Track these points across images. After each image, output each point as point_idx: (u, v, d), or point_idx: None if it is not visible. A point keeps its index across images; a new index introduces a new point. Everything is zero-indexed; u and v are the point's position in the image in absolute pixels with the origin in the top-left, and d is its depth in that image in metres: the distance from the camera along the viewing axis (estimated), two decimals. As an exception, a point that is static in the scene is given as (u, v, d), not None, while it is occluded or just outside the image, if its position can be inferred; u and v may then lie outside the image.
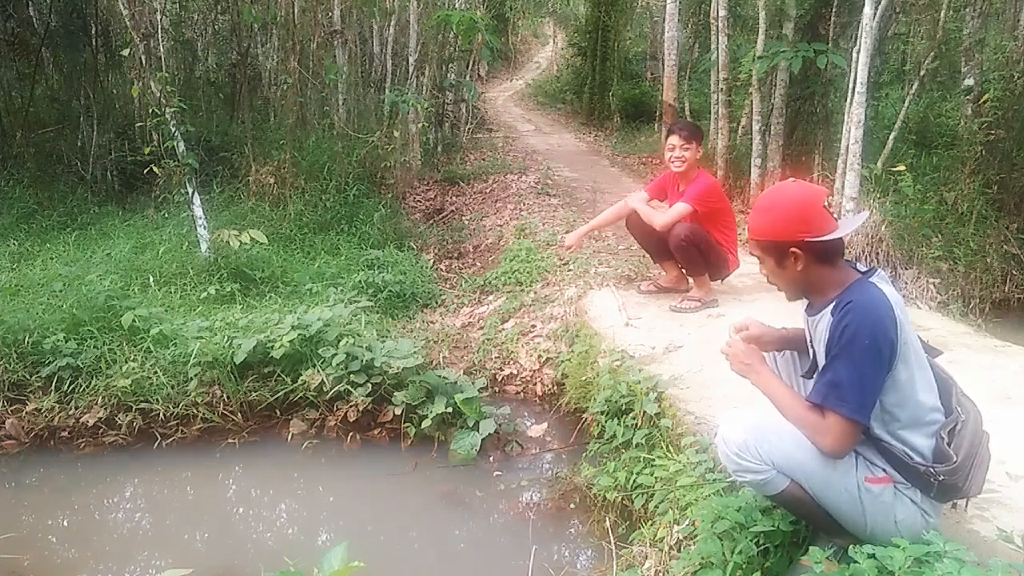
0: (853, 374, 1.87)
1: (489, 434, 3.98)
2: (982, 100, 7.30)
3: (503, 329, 5.26)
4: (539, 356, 4.86)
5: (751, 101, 8.63)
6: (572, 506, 3.50)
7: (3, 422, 4.01)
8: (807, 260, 2.01)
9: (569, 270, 5.80)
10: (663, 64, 12.58)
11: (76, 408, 4.10)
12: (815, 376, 2.06)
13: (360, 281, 5.66)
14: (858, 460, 1.99)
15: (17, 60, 8.75)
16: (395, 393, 4.18)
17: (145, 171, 5.86)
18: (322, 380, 4.16)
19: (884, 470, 1.97)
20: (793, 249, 2.00)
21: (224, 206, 7.02)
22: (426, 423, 4.02)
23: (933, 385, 2.01)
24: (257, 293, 5.41)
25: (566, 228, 6.99)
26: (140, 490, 3.89)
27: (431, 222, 8.59)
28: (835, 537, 2.08)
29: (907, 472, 1.95)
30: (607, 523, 3.07)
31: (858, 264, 2.09)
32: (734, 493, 2.45)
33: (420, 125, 9.81)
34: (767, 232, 2.05)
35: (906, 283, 6.02)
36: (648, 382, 3.53)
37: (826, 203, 2.03)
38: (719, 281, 4.95)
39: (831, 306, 1.98)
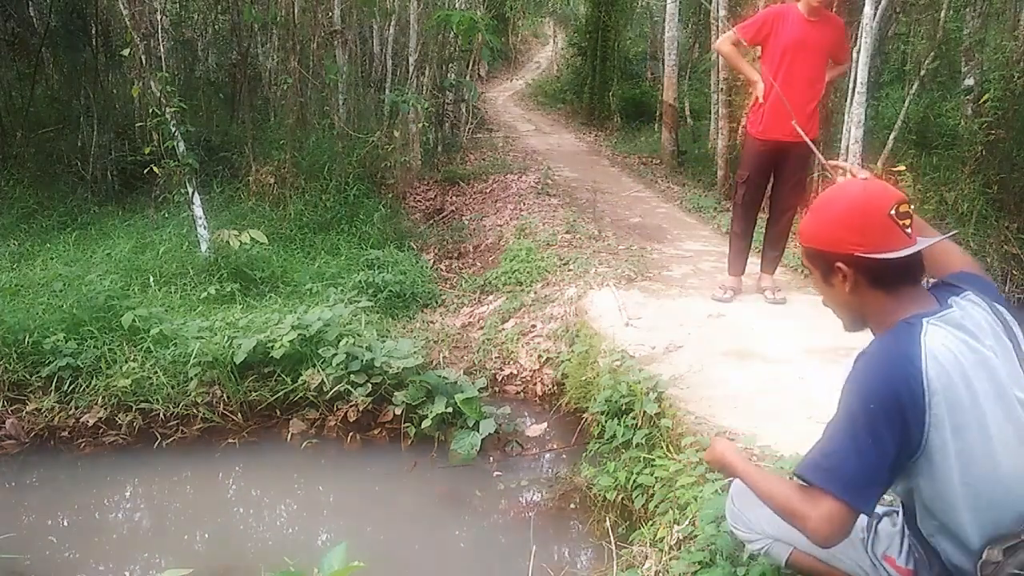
0: (850, 445, 1.48)
1: (489, 434, 3.98)
2: (982, 100, 7.30)
3: (503, 329, 5.25)
4: (539, 356, 4.86)
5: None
6: (572, 506, 3.50)
7: (3, 422, 4.01)
8: (856, 280, 1.59)
9: (569, 270, 5.80)
10: (663, 64, 12.59)
11: (76, 408, 4.10)
12: None
13: (360, 281, 5.66)
14: (876, 528, 1.67)
15: (17, 60, 8.75)
16: (395, 393, 4.18)
17: (145, 171, 5.85)
18: (322, 380, 4.16)
19: (913, 555, 1.64)
20: (839, 264, 1.58)
21: (224, 206, 7.02)
22: (426, 423, 4.01)
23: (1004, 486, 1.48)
24: (257, 293, 5.41)
25: (566, 228, 6.98)
26: (140, 490, 3.89)
27: (431, 222, 8.59)
28: None
29: (937, 568, 1.59)
30: (607, 523, 3.07)
31: (953, 293, 1.61)
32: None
33: (420, 125, 9.81)
34: (812, 237, 1.65)
35: (906, 283, 6.01)
36: (648, 382, 3.53)
37: (897, 210, 1.56)
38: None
39: None
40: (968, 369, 1.47)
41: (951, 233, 1.82)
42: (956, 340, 1.49)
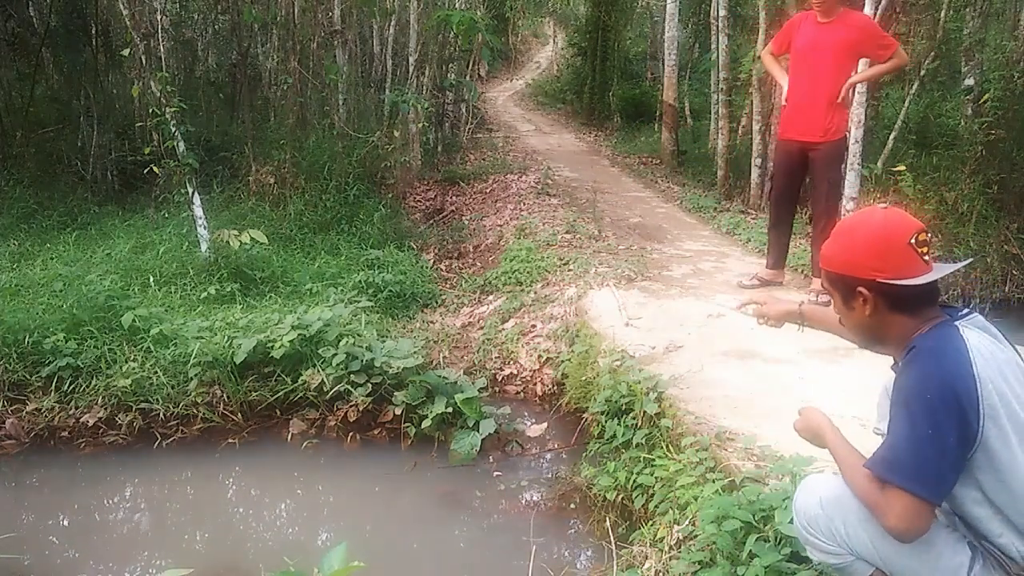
0: (911, 436, 1.54)
1: (489, 434, 3.98)
2: (982, 100, 7.30)
3: (503, 329, 5.25)
4: (539, 356, 4.86)
5: (751, 101, 8.64)
6: (572, 506, 3.50)
7: (3, 422, 4.01)
8: (877, 304, 1.68)
9: (569, 270, 5.80)
10: (663, 64, 12.60)
11: (76, 408, 4.10)
12: None
13: (360, 281, 5.66)
14: (976, 555, 1.63)
15: (17, 60, 8.74)
16: (395, 393, 4.18)
17: (145, 171, 5.85)
18: (322, 380, 4.16)
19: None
20: (860, 289, 1.68)
21: (224, 206, 7.02)
22: (426, 423, 4.01)
23: None
24: (257, 293, 5.41)
25: (566, 228, 6.99)
26: (140, 490, 3.89)
27: (431, 222, 8.59)
28: None
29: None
30: (607, 523, 3.07)
31: (961, 310, 1.73)
32: (735, 492, 2.44)
33: (420, 125, 9.81)
34: (834, 262, 1.74)
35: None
36: (648, 382, 3.53)
37: (916, 239, 1.66)
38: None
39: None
40: (1002, 364, 1.57)
41: (968, 260, 1.94)
42: (987, 340, 1.61)
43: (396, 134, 8.41)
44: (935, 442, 1.51)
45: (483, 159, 11.89)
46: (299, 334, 4.26)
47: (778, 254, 5.11)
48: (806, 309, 2.17)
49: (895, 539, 1.59)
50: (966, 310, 1.71)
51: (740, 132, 10.11)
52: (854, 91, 4.90)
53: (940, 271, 1.68)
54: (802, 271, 5.56)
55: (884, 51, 4.57)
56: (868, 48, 4.60)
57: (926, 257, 1.65)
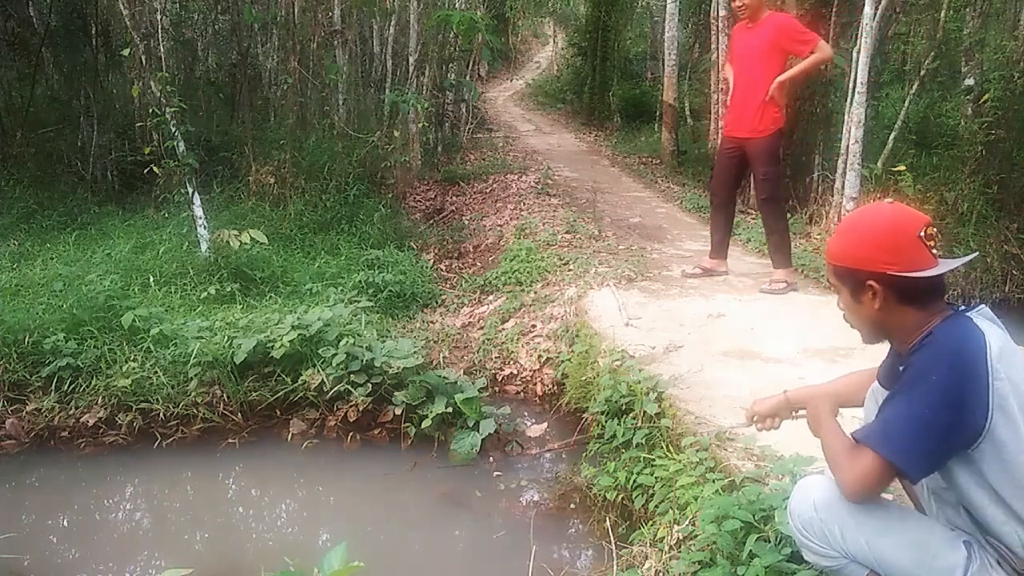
0: (908, 412, 1.55)
1: (489, 434, 3.98)
2: (982, 100, 7.31)
3: (503, 329, 5.26)
4: (539, 356, 4.86)
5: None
6: (572, 506, 3.50)
7: (3, 422, 4.01)
8: (886, 297, 1.68)
9: (569, 270, 5.80)
10: (663, 64, 12.60)
11: (76, 408, 4.09)
12: None
13: (360, 281, 5.66)
14: (973, 554, 1.63)
15: (17, 60, 8.75)
16: (395, 393, 4.18)
17: (145, 171, 5.86)
18: (322, 380, 4.16)
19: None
20: (870, 282, 1.68)
21: (224, 206, 7.02)
22: (426, 423, 4.01)
23: None
24: (257, 293, 5.41)
25: (566, 228, 6.99)
26: (140, 490, 3.89)
27: (431, 222, 8.59)
28: None
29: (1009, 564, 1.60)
30: (607, 523, 3.07)
31: (960, 306, 1.74)
32: (735, 492, 2.44)
33: (420, 125, 9.82)
34: (843, 256, 1.74)
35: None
36: (648, 382, 3.53)
37: (925, 232, 1.67)
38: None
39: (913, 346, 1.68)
40: (1012, 355, 1.59)
41: (973, 255, 1.94)
42: (998, 330, 1.63)
43: (396, 134, 8.41)
44: (924, 418, 1.53)
45: (483, 159, 11.89)
46: (299, 334, 4.25)
47: (719, 242, 5.34)
48: (791, 395, 2.13)
49: (846, 497, 1.64)
50: (964, 307, 1.73)
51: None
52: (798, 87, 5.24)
53: (948, 264, 1.69)
54: (803, 271, 5.56)
55: (804, 46, 4.71)
56: (788, 44, 4.75)
57: (934, 250, 1.67)
